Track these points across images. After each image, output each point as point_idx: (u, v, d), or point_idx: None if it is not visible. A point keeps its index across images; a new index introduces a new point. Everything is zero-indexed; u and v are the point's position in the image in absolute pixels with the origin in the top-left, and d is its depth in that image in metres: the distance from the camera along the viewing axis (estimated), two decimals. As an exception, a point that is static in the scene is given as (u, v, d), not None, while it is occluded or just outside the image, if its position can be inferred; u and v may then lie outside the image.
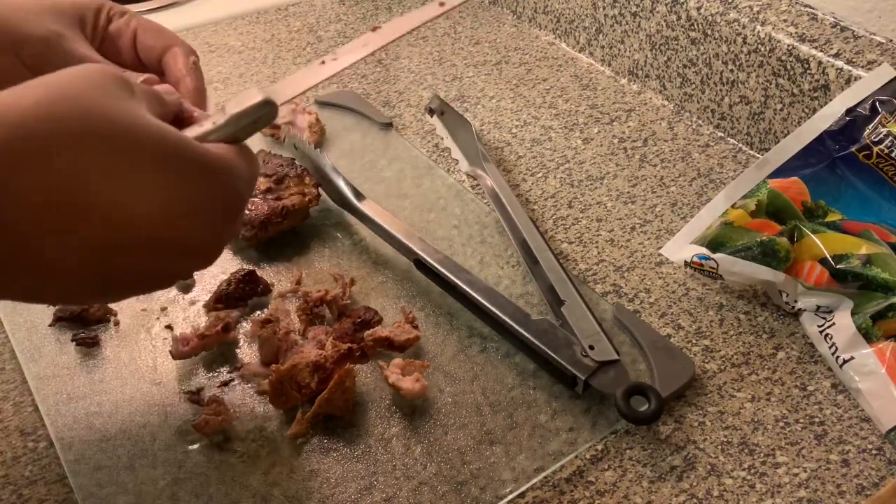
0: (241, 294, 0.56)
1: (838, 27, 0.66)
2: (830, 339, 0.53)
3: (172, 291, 0.58)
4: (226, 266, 0.60)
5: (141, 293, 0.37)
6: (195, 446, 0.48)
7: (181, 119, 0.39)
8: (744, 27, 0.70)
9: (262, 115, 0.39)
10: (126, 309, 0.57)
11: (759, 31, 0.69)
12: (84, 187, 0.29)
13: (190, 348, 0.52)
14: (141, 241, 0.32)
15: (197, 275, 0.58)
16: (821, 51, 0.65)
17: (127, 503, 0.45)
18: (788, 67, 0.67)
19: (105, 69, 0.33)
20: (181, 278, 0.37)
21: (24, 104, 0.29)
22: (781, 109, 0.69)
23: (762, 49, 0.69)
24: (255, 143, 0.73)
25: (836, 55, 0.64)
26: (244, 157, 0.37)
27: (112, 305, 0.56)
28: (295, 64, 0.87)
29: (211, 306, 0.56)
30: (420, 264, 0.58)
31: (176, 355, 0.52)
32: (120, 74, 0.33)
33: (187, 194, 0.33)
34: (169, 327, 0.55)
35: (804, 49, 0.66)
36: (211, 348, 0.53)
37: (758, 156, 0.72)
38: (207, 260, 0.37)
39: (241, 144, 0.38)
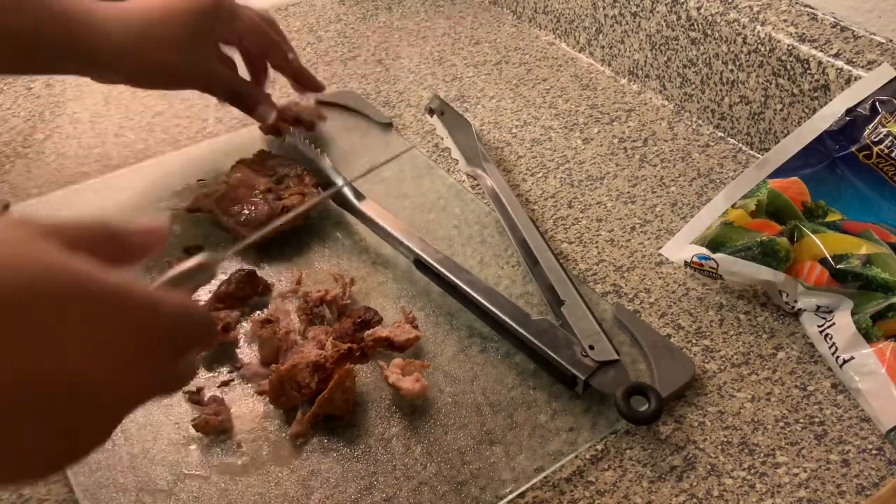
0: (242, 294, 0.56)
1: (838, 27, 0.67)
2: (830, 339, 0.53)
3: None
4: (226, 266, 0.60)
5: (87, 446, 0.33)
6: (195, 446, 0.48)
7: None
8: (744, 27, 0.70)
9: (200, 277, 0.39)
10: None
11: (759, 31, 0.69)
12: None
13: None
14: (56, 384, 0.28)
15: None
16: (821, 51, 0.65)
17: (127, 503, 0.45)
18: (788, 67, 0.67)
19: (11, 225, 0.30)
20: (113, 422, 0.33)
21: None
22: (781, 109, 0.69)
23: (762, 49, 0.69)
24: (257, 143, 0.73)
25: (836, 55, 0.64)
26: (176, 297, 0.34)
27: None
28: (295, 64, 0.87)
29: (211, 306, 0.56)
30: (420, 264, 0.58)
31: None
32: (24, 222, 0.31)
33: (92, 327, 0.29)
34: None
35: (804, 49, 0.66)
36: (211, 348, 0.53)
37: (758, 156, 0.72)
38: (132, 401, 0.33)
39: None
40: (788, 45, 0.67)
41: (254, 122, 0.77)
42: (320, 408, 0.48)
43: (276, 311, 0.56)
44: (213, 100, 0.81)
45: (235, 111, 0.79)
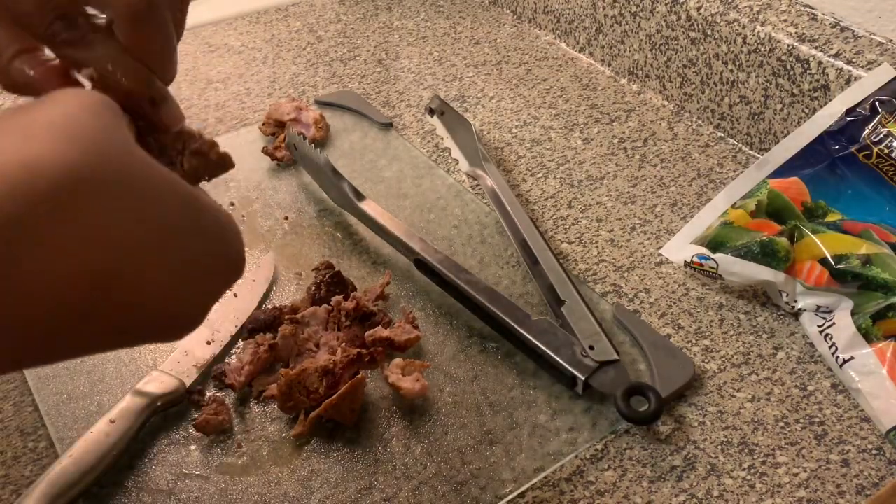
0: (330, 297, 0.55)
1: (838, 27, 0.67)
2: (830, 339, 0.53)
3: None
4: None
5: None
6: (195, 446, 0.48)
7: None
8: (744, 27, 0.70)
9: None
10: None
11: (759, 31, 0.69)
12: (115, 241, 0.26)
13: (245, 377, 0.51)
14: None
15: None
16: (821, 51, 0.65)
17: (127, 503, 0.45)
18: (788, 67, 0.67)
19: (100, 99, 0.29)
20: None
21: (41, 159, 0.25)
22: (781, 109, 0.69)
23: (762, 49, 0.69)
24: (257, 143, 0.73)
25: (836, 55, 0.64)
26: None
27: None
28: (295, 64, 0.87)
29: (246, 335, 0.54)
30: (420, 264, 0.58)
31: (237, 386, 0.51)
32: (110, 101, 0.29)
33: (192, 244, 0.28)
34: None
35: (804, 49, 0.66)
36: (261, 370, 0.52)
37: (758, 156, 0.72)
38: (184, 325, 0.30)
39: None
40: (788, 46, 0.67)
41: (254, 121, 0.77)
42: (326, 411, 0.48)
43: (308, 315, 0.54)
44: (213, 100, 0.81)
45: (236, 111, 0.79)
